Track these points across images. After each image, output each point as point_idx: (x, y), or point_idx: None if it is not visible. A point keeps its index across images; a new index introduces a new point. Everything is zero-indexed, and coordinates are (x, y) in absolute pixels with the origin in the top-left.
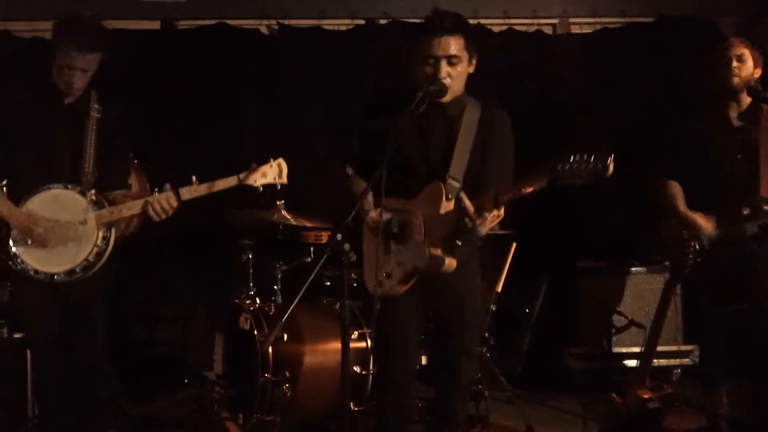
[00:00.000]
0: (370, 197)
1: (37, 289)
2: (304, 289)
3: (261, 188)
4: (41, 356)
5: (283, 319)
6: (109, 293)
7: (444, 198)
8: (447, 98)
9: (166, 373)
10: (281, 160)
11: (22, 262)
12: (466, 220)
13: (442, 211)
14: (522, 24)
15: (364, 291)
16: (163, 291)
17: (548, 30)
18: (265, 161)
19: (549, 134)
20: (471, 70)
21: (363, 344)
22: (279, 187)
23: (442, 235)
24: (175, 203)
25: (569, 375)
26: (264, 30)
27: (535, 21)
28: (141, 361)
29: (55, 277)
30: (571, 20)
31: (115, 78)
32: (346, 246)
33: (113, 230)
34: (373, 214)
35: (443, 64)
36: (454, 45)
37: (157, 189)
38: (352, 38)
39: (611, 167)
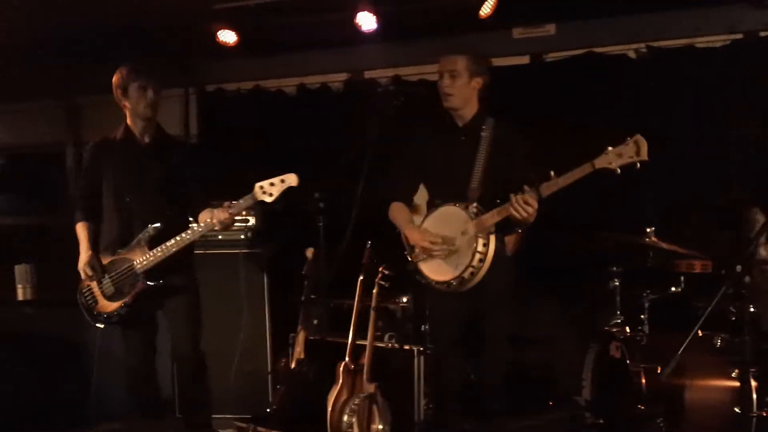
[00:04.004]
0: None
1: (443, 299)
2: (701, 323)
3: (618, 170)
4: (444, 362)
5: (679, 352)
6: (509, 305)
7: None
8: None
9: (534, 394)
10: (638, 137)
11: (423, 275)
12: None
13: None
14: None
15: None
16: (529, 313)
17: None
18: (621, 141)
19: None
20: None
21: (742, 383)
22: (638, 165)
23: None
24: (535, 201)
25: None
26: (632, 54)
27: None
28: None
29: (450, 284)
30: None
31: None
32: (747, 279)
33: (492, 236)
34: None
35: None
36: None
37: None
38: (727, 55)
39: None
